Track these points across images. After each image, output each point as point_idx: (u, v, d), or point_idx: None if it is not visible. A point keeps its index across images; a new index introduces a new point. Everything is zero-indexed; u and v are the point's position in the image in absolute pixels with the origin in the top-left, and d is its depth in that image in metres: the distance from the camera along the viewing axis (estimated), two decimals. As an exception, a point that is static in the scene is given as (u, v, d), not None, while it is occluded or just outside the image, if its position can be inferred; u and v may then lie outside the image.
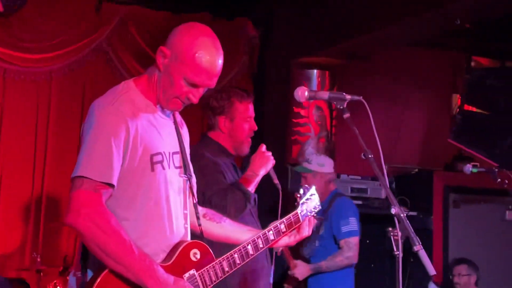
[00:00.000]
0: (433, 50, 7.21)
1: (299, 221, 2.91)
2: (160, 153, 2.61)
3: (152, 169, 2.58)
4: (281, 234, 2.87)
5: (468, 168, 4.73)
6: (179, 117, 2.83)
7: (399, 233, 2.51)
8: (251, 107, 3.90)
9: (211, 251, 2.68)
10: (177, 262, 2.58)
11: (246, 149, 3.88)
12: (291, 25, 6.51)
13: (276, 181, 3.69)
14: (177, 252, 2.59)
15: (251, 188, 3.68)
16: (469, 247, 6.83)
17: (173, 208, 2.66)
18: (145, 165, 2.57)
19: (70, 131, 6.18)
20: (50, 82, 6.31)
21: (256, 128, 3.90)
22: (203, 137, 3.99)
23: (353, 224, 5.19)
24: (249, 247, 2.75)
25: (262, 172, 3.70)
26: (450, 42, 6.89)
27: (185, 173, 2.75)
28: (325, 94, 2.88)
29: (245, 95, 3.90)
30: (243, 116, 3.85)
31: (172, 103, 2.63)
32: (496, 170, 4.68)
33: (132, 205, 2.57)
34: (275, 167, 6.50)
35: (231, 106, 3.85)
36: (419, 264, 2.53)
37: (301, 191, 2.98)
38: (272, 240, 2.84)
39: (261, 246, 2.79)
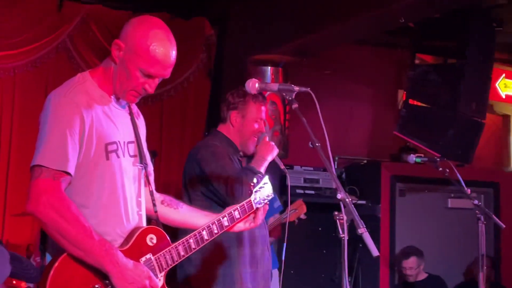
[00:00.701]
0: (380, 48, 7.28)
1: (252, 208, 2.93)
2: (114, 142, 2.60)
3: (107, 158, 2.58)
4: (235, 221, 2.89)
5: (412, 158, 4.77)
6: (135, 108, 2.82)
7: (345, 217, 2.52)
8: (263, 110, 3.94)
9: (167, 236, 2.68)
10: (134, 246, 2.57)
11: (251, 148, 3.88)
12: (246, 24, 6.51)
13: (282, 166, 3.70)
14: (134, 237, 2.59)
15: (262, 171, 3.68)
16: (414, 233, 6.92)
17: (128, 195, 2.65)
18: (100, 154, 2.56)
19: (33, 126, 6.09)
20: (14, 78, 6.24)
21: (264, 130, 3.93)
22: (213, 131, 4.03)
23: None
24: (204, 232, 2.76)
25: (269, 158, 3.72)
26: (395, 40, 6.96)
27: (140, 162, 2.74)
28: (274, 86, 2.89)
29: (260, 98, 3.92)
30: (254, 116, 3.88)
31: (129, 95, 2.62)
32: (438, 160, 4.74)
33: (88, 192, 2.56)
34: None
35: (245, 104, 3.88)
36: (367, 249, 2.55)
37: (255, 180, 3.00)
38: (227, 226, 2.85)
39: (215, 231, 2.80)
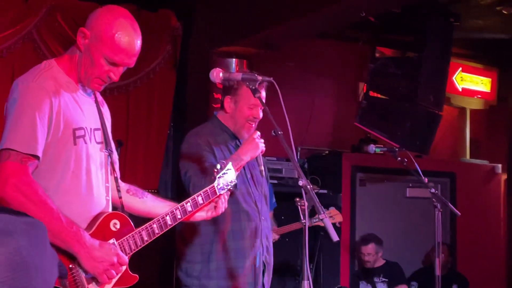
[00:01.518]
0: (341, 42, 7.31)
1: (215, 194, 2.91)
2: (82, 128, 2.59)
3: (75, 143, 2.56)
4: (199, 206, 2.87)
5: (372, 148, 4.81)
6: (100, 97, 2.81)
7: (306, 203, 2.54)
8: (260, 96, 3.69)
9: (130, 221, 2.67)
10: (98, 231, 2.57)
11: (245, 135, 3.67)
12: (211, 16, 6.50)
13: (261, 167, 3.48)
14: (98, 222, 2.59)
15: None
16: (374, 221, 6.99)
17: (94, 180, 2.64)
18: (68, 139, 2.55)
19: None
20: (-21, 68, 6.13)
21: (260, 117, 3.67)
22: (212, 116, 3.87)
23: None
24: (167, 217, 2.75)
25: (246, 157, 3.47)
26: (357, 34, 6.99)
27: (106, 149, 2.72)
28: (238, 75, 2.89)
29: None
30: (247, 102, 3.65)
31: (93, 82, 2.61)
32: (397, 150, 4.77)
33: (55, 176, 2.54)
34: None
35: (238, 89, 3.66)
36: (328, 237, 2.56)
37: (218, 166, 2.97)
38: (190, 211, 2.84)
39: (179, 217, 2.79)
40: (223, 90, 3.75)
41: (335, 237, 2.49)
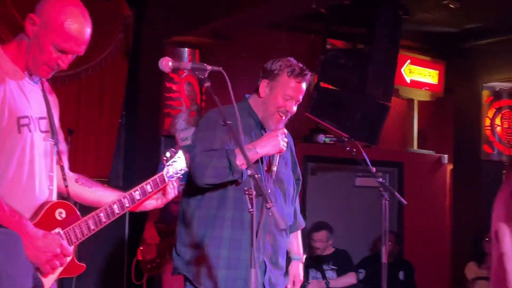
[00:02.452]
0: (293, 33, 7.32)
1: (164, 182, 2.86)
2: (27, 117, 2.53)
3: (19, 131, 2.51)
4: (147, 195, 2.82)
5: (321, 138, 4.81)
6: (47, 85, 2.75)
7: (254, 192, 2.54)
8: (299, 88, 3.39)
9: (77, 210, 2.64)
10: (43, 220, 2.52)
11: (272, 126, 3.39)
12: (164, 5, 6.45)
13: (273, 167, 3.34)
14: (43, 211, 2.54)
15: (243, 161, 3.10)
16: (325, 210, 7.05)
17: (38, 170, 2.58)
18: (13, 127, 2.49)
19: None
20: None
21: (293, 112, 3.39)
22: (243, 98, 3.55)
23: None
24: (115, 206, 2.71)
25: (262, 152, 3.23)
26: (308, 25, 7.01)
27: (52, 138, 2.67)
28: (188, 65, 2.86)
29: (298, 72, 3.38)
30: (284, 91, 3.36)
31: (41, 69, 2.55)
32: (346, 140, 4.79)
33: (0, 165, 2.48)
34: (150, 139, 6.40)
35: (278, 75, 3.39)
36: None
37: (168, 154, 2.93)
38: (139, 200, 2.79)
39: (127, 205, 2.75)
40: (261, 72, 3.48)
41: (282, 225, 2.51)
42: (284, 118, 3.42)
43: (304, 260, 3.77)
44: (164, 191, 2.89)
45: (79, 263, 2.64)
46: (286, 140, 3.29)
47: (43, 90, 2.68)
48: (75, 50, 2.54)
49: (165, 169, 2.88)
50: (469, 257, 7.26)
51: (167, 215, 5.42)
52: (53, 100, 2.76)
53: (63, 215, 2.59)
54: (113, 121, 6.68)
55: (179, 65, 2.93)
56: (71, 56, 2.57)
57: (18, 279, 1.11)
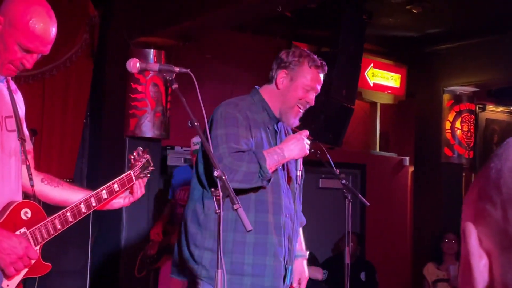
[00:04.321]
0: (259, 35, 7.34)
1: (132, 181, 2.85)
2: None
3: None
4: (114, 194, 2.81)
5: (286, 139, 4.84)
6: (13, 84, 2.72)
7: (221, 193, 2.54)
8: (318, 78, 3.23)
9: (43, 210, 2.62)
10: (8, 220, 2.50)
11: (291, 119, 3.23)
12: (129, 6, 6.40)
13: (298, 172, 3.18)
14: (8, 211, 2.52)
15: (271, 166, 2.99)
16: (288, 211, 7.07)
17: (5, 169, 2.56)
18: None
19: None
20: None
21: (313, 103, 3.24)
22: (253, 89, 3.35)
23: None
24: (81, 205, 2.69)
25: (289, 156, 3.06)
26: (273, 28, 7.03)
27: (18, 137, 2.64)
28: (155, 66, 2.85)
29: (318, 63, 3.25)
30: (305, 82, 3.20)
31: (6, 68, 2.53)
32: (310, 142, 4.82)
33: None
34: (114, 139, 6.38)
35: (298, 65, 3.21)
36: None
37: (135, 153, 2.93)
38: (106, 199, 2.77)
39: (94, 204, 2.73)
40: (277, 63, 3.27)
41: (248, 226, 2.50)
42: (302, 111, 3.26)
43: (307, 256, 3.64)
44: (131, 190, 2.88)
45: (45, 263, 2.62)
46: (309, 142, 3.13)
47: (8, 89, 2.65)
48: (40, 50, 2.53)
49: (133, 169, 2.89)
50: (429, 257, 7.36)
51: (173, 216, 5.62)
52: (18, 99, 2.73)
53: (29, 215, 2.57)
54: (77, 121, 6.62)
55: (147, 67, 2.91)
56: (36, 55, 2.55)
57: None
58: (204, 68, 6.59)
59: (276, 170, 3.12)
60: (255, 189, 3.08)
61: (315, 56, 3.32)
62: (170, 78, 2.74)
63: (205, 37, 6.62)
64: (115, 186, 2.80)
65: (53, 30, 2.54)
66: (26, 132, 2.72)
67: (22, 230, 2.53)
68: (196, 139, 5.31)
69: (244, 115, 3.14)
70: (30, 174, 2.72)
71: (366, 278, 7.07)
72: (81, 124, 6.66)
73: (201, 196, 3.25)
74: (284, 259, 3.22)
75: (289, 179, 3.34)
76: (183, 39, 6.25)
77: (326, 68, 3.32)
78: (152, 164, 2.93)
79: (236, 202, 2.49)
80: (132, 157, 2.89)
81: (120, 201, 2.89)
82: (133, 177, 2.85)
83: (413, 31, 7.56)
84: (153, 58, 6.33)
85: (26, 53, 2.51)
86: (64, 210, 2.65)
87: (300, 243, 3.63)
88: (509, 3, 6.37)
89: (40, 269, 2.61)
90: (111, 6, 6.61)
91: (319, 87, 3.28)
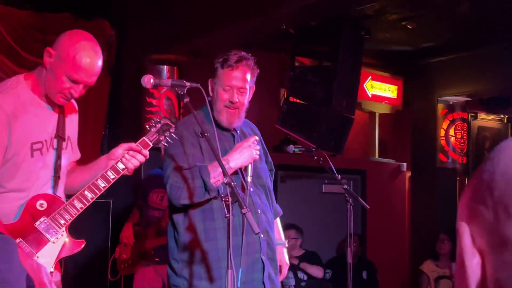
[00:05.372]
0: (264, 51, 7.33)
1: (148, 145, 2.81)
2: (40, 142, 2.63)
3: (32, 155, 2.61)
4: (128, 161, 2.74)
5: (291, 148, 4.83)
6: (68, 105, 2.81)
7: (230, 199, 2.54)
8: (234, 75, 3.12)
9: (59, 197, 2.67)
10: (24, 216, 2.63)
11: (224, 121, 3.13)
12: (144, 26, 6.43)
13: (248, 178, 3.04)
14: (22, 210, 2.61)
15: (217, 178, 2.90)
16: (294, 214, 7.03)
17: (44, 180, 2.68)
18: (26, 152, 2.59)
19: None
20: None
21: (235, 101, 3.10)
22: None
23: None
24: (99, 181, 2.70)
25: (236, 165, 2.98)
26: (278, 44, 7.03)
27: (60, 154, 2.75)
28: (168, 81, 2.87)
29: (227, 61, 3.15)
30: (222, 84, 3.13)
31: (57, 97, 2.63)
32: (314, 150, 4.81)
33: (14, 180, 2.59)
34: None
35: (216, 71, 3.18)
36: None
37: (152, 121, 2.88)
38: (123, 169, 2.73)
39: (112, 177, 2.70)
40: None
41: (256, 229, 2.50)
42: (236, 110, 3.15)
43: (287, 245, 3.59)
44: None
45: (76, 240, 2.69)
46: (258, 147, 3.06)
47: (59, 113, 2.75)
48: (85, 81, 2.61)
49: (147, 134, 2.82)
50: (426, 255, 7.33)
51: (144, 219, 5.37)
52: (70, 119, 2.83)
53: (44, 205, 2.61)
54: (97, 132, 6.64)
55: (160, 82, 2.93)
56: (82, 86, 2.63)
57: (14, 283, 1.10)
58: (213, 82, 6.59)
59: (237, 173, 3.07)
60: (217, 200, 2.99)
61: (232, 55, 3.19)
62: (182, 92, 2.75)
63: (214, 54, 6.62)
64: (127, 156, 2.76)
65: (98, 63, 2.63)
66: (72, 146, 2.81)
67: (42, 219, 2.57)
68: None
69: (190, 131, 3.07)
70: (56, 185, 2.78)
71: (367, 277, 7.04)
72: (101, 135, 6.68)
73: (171, 210, 3.18)
74: (262, 252, 3.14)
75: (258, 176, 3.26)
76: (194, 56, 6.27)
77: (242, 63, 3.16)
78: (172, 126, 2.84)
79: (244, 207, 2.49)
80: (148, 125, 2.85)
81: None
82: (148, 141, 2.79)
83: (408, 46, 7.56)
84: (167, 74, 6.35)
85: (73, 84, 2.59)
86: (81, 190, 2.65)
87: (278, 233, 3.57)
88: (496, 19, 6.37)
89: (74, 246, 2.63)
90: (126, 26, 6.64)
91: (239, 83, 3.14)
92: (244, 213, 2.48)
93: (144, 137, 2.79)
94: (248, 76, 3.18)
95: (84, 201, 2.63)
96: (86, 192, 2.65)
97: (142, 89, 6.12)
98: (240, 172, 3.11)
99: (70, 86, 2.59)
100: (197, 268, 3.07)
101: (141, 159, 2.75)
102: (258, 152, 3.06)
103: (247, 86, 3.19)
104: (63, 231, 2.60)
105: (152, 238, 5.13)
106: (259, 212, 3.19)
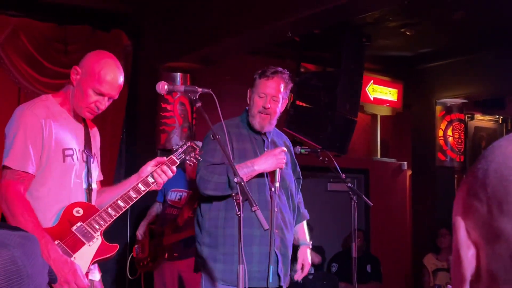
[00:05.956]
0: (270, 58, 7.33)
1: (175, 162, 2.87)
2: (71, 149, 2.70)
3: (64, 160, 2.67)
4: (151, 186, 2.80)
5: (298, 149, 4.80)
6: (90, 122, 2.93)
7: (240, 197, 2.54)
8: (269, 84, 3.30)
9: (94, 205, 2.72)
10: (62, 221, 2.69)
11: (257, 125, 3.33)
12: (158, 36, 6.45)
13: (275, 184, 3.18)
14: (61, 214, 2.63)
15: (242, 175, 2.94)
16: (301, 212, 7.03)
17: (75, 191, 2.73)
18: (59, 157, 2.65)
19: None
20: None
21: (268, 106, 3.28)
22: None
23: None
24: (131, 192, 2.74)
25: (259, 169, 3.18)
26: (284, 51, 7.03)
27: (87, 166, 2.80)
28: (181, 87, 2.89)
29: (265, 72, 3.33)
30: (258, 91, 3.31)
31: (84, 111, 2.72)
32: (319, 150, 4.80)
33: (47, 184, 2.64)
34: (149, 153, 6.36)
35: (254, 81, 3.37)
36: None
37: (180, 142, 2.99)
38: (152, 182, 2.79)
39: (143, 189, 2.77)
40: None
41: (265, 225, 2.50)
42: (267, 116, 3.31)
43: (311, 246, 3.69)
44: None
45: (110, 244, 2.71)
46: (284, 158, 3.21)
47: (85, 127, 2.85)
48: (110, 93, 2.72)
49: (174, 153, 2.89)
50: (427, 249, 7.31)
51: (161, 217, 5.35)
52: (93, 133, 2.92)
53: (81, 212, 2.66)
54: (115, 137, 6.66)
55: (174, 88, 2.96)
56: (107, 99, 2.73)
57: (37, 277, 1.13)
58: (223, 88, 6.60)
59: (260, 175, 3.24)
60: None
61: (269, 68, 3.37)
62: (195, 98, 2.77)
63: (224, 61, 6.64)
64: (158, 171, 2.82)
65: (121, 78, 2.76)
66: (96, 160, 2.89)
67: (78, 224, 2.60)
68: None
69: (226, 131, 3.13)
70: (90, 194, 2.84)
71: (371, 270, 7.02)
72: (119, 139, 6.70)
73: (199, 199, 3.40)
74: (275, 246, 3.23)
75: (283, 180, 3.39)
76: (205, 63, 6.28)
77: (278, 74, 3.33)
78: (197, 149, 2.94)
79: (254, 205, 2.49)
80: (175, 145, 2.96)
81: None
82: (175, 159, 2.87)
83: (407, 51, 7.54)
84: (180, 81, 6.36)
85: (99, 97, 2.69)
86: (115, 199, 2.70)
87: (303, 233, 3.71)
88: (489, 26, 6.35)
89: (108, 250, 2.66)
90: (142, 36, 6.66)
91: (272, 91, 3.30)
92: (254, 211, 2.49)
93: (172, 156, 2.88)
94: (282, 87, 3.34)
95: (117, 209, 2.71)
96: (119, 202, 2.72)
97: (157, 95, 6.15)
98: (266, 176, 3.27)
99: (96, 99, 2.69)
100: (214, 251, 3.26)
101: (170, 175, 2.83)
102: (284, 161, 3.22)
103: (280, 96, 3.35)
104: (98, 236, 2.65)
105: (169, 235, 5.12)
106: (276, 210, 3.28)
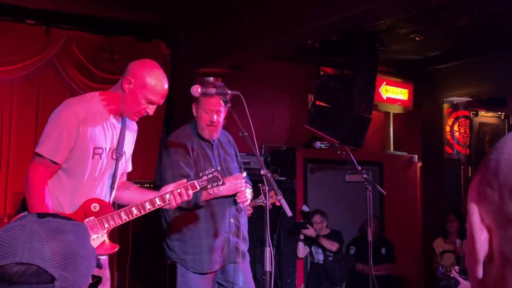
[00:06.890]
0: (293, 63, 7.32)
1: (195, 188, 2.87)
2: (101, 148, 2.70)
3: (92, 158, 2.68)
4: (176, 196, 2.82)
5: (318, 144, 4.80)
6: (131, 124, 2.91)
7: (266, 187, 2.52)
8: (212, 102, 3.42)
9: (111, 206, 2.71)
10: (79, 211, 2.70)
11: (207, 136, 3.48)
12: (192, 45, 6.46)
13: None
14: (80, 205, 2.64)
15: (206, 199, 3.30)
16: (321, 201, 7.00)
17: (102, 186, 2.74)
18: (88, 154, 2.66)
19: (28, 125, 5.88)
20: (12, 88, 5.99)
21: (214, 120, 3.45)
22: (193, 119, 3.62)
23: None
24: (146, 203, 2.74)
25: (222, 193, 3.31)
26: (305, 57, 7.00)
27: (116, 164, 2.81)
28: (212, 90, 2.87)
29: (207, 92, 3.26)
30: (204, 108, 3.46)
31: (133, 116, 2.76)
32: (337, 145, 4.77)
33: (74, 177, 2.65)
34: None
35: (197, 99, 3.47)
36: (287, 216, 2.54)
37: (207, 171, 2.93)
38: (168, 199, 2.80)
39: (158, 203, 2.78)
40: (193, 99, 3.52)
41: (289, 213, 2.48)
42: (215, 127, 3.45)
43: (244, 174, 3.65)
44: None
45: (113, 243, 2.72)
46: (245, 187, 3.36)
47: (122, 129, 2.83)
48: (158, 101, 2.76)
49: (198, 180, 2.88)
50: (436, 234, 7.23)
51: None
52: (129, 137, 2.90)
53: (97, 208, 2.66)
54: (155, 136, 6.69)
55: (206, 90, 2.93)
56: (155, 106, 2.77)
57: (89, 260, 1.16)
58: (251, 91, 6.58)
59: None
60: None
61: (209, 86, 3.24)
62: (225, 99, 2.75)
63: (252, 66, 6.62)
64: (178, 190, 2.81)
65: (167, 87, 2.79)
66: (125, 162, 2.89)
67: (91, 218, 2.61)
68: None
69: (181, 141, 3.43)
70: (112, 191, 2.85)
71: (385, 252, 6.95)
72: (159, 137, 6.73)
73: None
74: (230, 233, 3.45)
75: (230, 173, 3.54)
76: (235, 68, 6.27)
77: (217, 92, 3.21)
78: (221, 180, 2.93)
79: (279, 194, 2.47)
80: (202, 173, 2.93)
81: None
82: (197, 185, 2.84)
83: (417, 55, 7.46)
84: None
85: (149, 104, 2.73)
86: (130, 205, 2.70)
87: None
88: (491, 31, 6.26)
89: (109, 248, 2.66)
90: (179, 45, 6.68)
91: (215, 107, 3.41)
92: (279, 199, 2.46)
93: (195, 181, 2.88)
94: (221, 101, 3.39)
95: (130, 215, 2.72)
96: (133, 209, 2.72)
97: (192, 97, 6.19)
98: (216, 158, 3.47)
99: (146, 106, 2.72)
100: (183, 244, 3.39)
101: (184, 198, 2.84)
102: (244, 190, 3.37)
103: (222, 109, 3.46)
104: (104, 233, 2.66)
105: None
106: (231, 202, 3.47)
